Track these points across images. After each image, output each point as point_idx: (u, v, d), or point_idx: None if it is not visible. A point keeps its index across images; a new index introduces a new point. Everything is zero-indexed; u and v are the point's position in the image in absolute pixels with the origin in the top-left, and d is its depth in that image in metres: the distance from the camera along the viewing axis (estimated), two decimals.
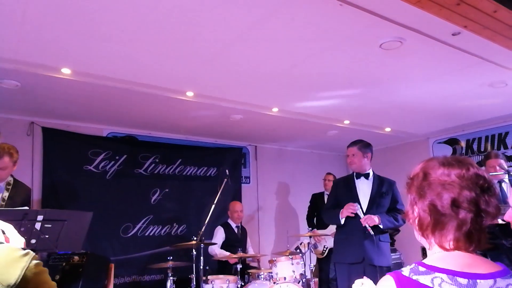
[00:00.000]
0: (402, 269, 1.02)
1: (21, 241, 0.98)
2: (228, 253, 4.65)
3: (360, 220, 3.20)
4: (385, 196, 3.36)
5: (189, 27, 2.69)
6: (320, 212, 5.50)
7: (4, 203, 3.07)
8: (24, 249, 0.88)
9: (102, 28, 2.66)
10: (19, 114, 4.41)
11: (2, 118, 4.37)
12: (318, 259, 5.38)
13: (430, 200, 1.02)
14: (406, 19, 2.63)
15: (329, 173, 5.88)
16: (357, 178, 3.45)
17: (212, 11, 2.50)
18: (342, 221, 3.32)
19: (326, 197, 5.71)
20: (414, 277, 0.97)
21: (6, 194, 3.12)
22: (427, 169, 1.06)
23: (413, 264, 1.02)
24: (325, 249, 5.28)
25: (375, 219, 3.20)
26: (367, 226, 3.16)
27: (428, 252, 1.09)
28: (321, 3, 2.41)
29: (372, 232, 3.17)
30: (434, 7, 2.33)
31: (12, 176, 3.24)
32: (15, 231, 1.00)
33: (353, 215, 3.28)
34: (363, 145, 3.47)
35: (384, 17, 2.60)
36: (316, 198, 5.86)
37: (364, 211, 3.29)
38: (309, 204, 5.92)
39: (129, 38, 2.81)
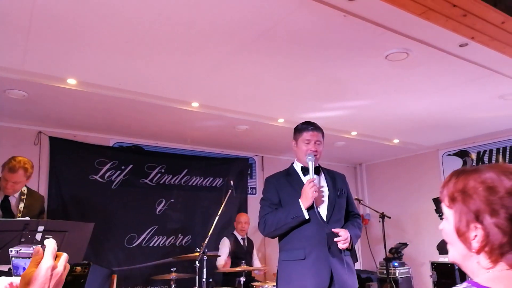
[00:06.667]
0: None
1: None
2: (223, 259, 4.64)
3: (338, 242, 2.35)
4: (342, 195, 2.57)
5: (194, 38, 2.68)
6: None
7: (20, 214, 3.11)
8: None
9: (107, 40, 2.67)
10: (27, 123, 4.45)
11: (11, 127, 4.42)
12: None
13: (508, 216, 0.92)
14: (411, 30, 2.59)
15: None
16: (305, 174, 2.56)
17: (216, 23, 2.50)
18: (306, 215, 2.37)
19: None
20: None
21: (21, 204, 3.18)
22: (489, 182, 0.96)
23: (465, 283, 0.92)
24: None
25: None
26: (340, 244, 2.36)
27: (475, 269, 0.98)
28: (325, 14, 2.39)
29: (343, 247, 2.37)
30: (440, 19, 2.29)
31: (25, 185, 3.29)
32: None
33: (322, 194, 2.48)
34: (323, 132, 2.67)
35: (389, 28, 2.56)
36: None
37: (325, 218, 2.43)
38: None
39: (133, 49, 2.82)
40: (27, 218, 2.68)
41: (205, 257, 3.84)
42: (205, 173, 5.60)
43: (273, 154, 6.37)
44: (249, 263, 4.92)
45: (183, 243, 5.28)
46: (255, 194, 6.14)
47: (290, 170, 2.64)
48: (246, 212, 5.70)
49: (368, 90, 3.70)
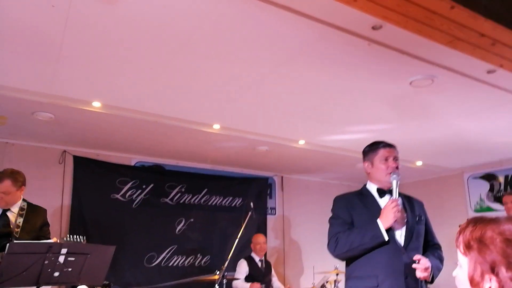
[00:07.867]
0: None
1: None
2: (247, 284, 4.53)
3: (417, 269, 2.09)
4: (421, 222, 2.34)
5: (218, 64, 2.71)
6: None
7: (19, 229, 3.05)
8: None
9: (132, 66, 2.73)
10: (52, 143, 4.56)
11: (37, 147, 4.53)
12: None
13: None
14: (437, 57, 2.56)
15: None
16: (381, 196, 2.35)
17: (242, 50, 2.52)
18: (386, 236, 2.13)
19: None
20: None
21: (20, 219, 3.10)
22: (507, 234, 0.96)
23: None
24: None
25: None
26: (418, 273, 2.09)
27: None
28: (349, 42, 2.38)
29: (421, 276, 2.11)
30: (468, 47, 2.24)
31: (25, 200, 3.22)
32: None
33: (404, 217, 2.21)
34: None
35: (414, 56, 2.53)
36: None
37: (403, 243, 2.20)
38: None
39: (158, 75, 2.87)
40: (51, 241, 2.72)
41: (224, 280, 3.80)
42: (225, 192, 5.59)
43: (293, 174, 6.32)
44: (268, 286, 4.84)
45: (202, 264, 5.25)
46: (275, 214, 6.09)
47: (364, 191, 2.42)
48: (265, 233, 5.65)
49: (391, 113, 3.65)
